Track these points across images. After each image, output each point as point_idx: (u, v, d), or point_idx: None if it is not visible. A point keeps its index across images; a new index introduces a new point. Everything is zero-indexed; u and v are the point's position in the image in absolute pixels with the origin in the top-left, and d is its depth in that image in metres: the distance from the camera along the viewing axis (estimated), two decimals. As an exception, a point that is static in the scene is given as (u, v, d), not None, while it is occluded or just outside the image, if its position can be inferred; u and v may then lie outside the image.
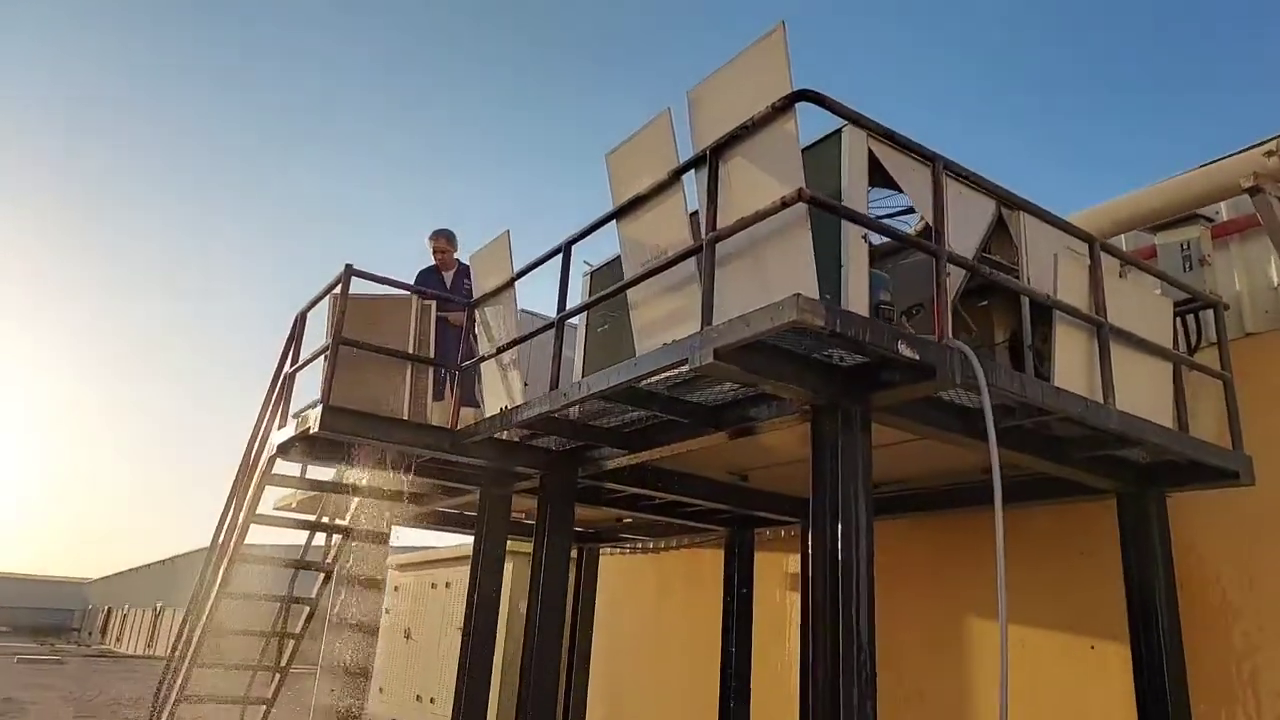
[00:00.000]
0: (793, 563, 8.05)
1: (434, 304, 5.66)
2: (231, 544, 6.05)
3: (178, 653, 6.66)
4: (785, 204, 3.20)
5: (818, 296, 3.16)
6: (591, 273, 6.30)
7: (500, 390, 5.51)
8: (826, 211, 3.33)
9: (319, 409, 4.92)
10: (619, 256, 5.85)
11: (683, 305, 3.96)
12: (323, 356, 5.42)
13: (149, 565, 50.96)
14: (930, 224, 3.75)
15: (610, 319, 5.94)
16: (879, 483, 6.58)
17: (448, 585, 14.88)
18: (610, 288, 4.27)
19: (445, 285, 6.69)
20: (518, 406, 4.82)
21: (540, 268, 5.30)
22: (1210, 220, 5.22)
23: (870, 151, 3.89)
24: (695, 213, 3.93)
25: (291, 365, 5.86)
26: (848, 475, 3.57)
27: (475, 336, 5.67)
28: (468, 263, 6.78)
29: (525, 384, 5.23)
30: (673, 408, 4.40)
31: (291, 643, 6.93)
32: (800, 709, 6.81)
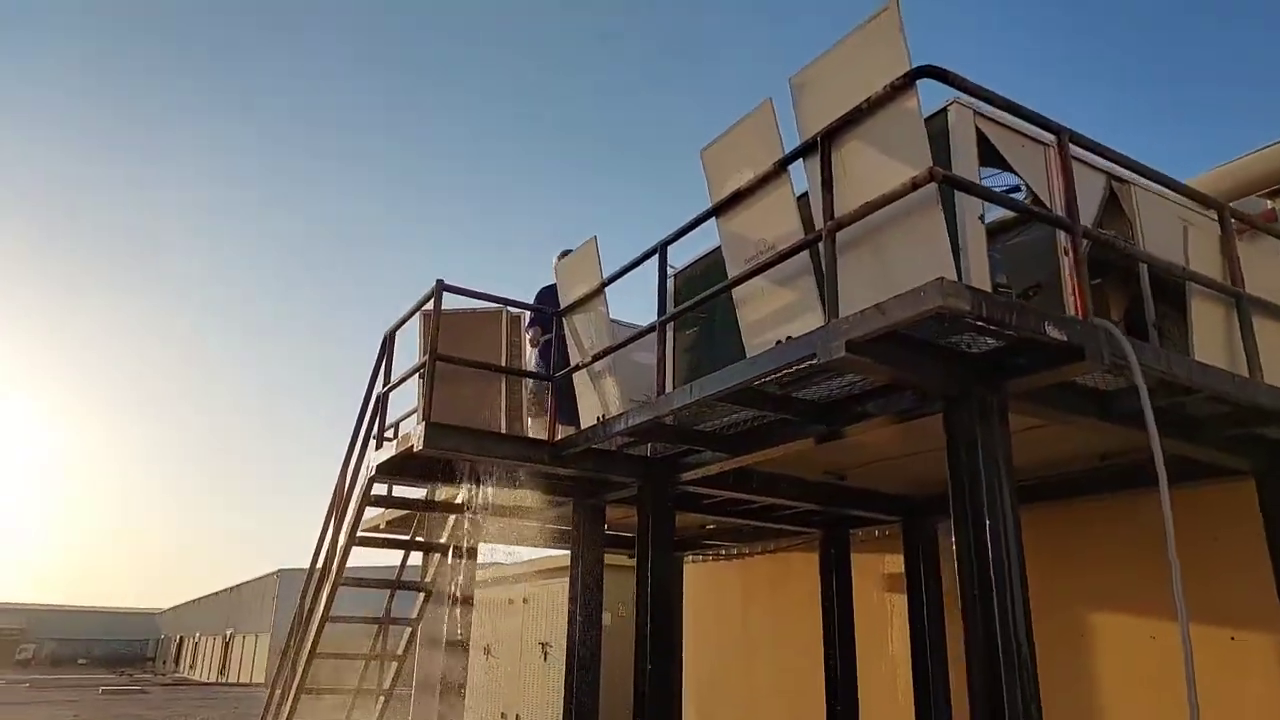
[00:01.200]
0: (889, 563, 7.84)
1: (523, 316, 5.60)
2: (334, 567, 6.06)
3: (283, 679, 6.69)
4: (916, 185, 3.06)
5: (956, 279, 3.01)
6: (676, 274, 6.21)
7: (594, 399, 5.44)
8: (960, 191, 3.18)
9: (421, 426, 4.88)
10: (704, 256, 5.80)
11: (795, 299, 3.84)
12: (418, 374, 5.41)
13: (216, 594, 52.21)
14: (1043, 201, 3.58)
15: (699, 320, 5.84)
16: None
17: (525, 601, 14.90)
18: (714, 287, 4.15)
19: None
20: (621, 414, 4.73)
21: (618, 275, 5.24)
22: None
23: (977, 129, 3.74)
24: (800, 197, 3.82)
25: (384, 385, 5.85)
26: (990, 467, 3.41)
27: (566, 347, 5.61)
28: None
29: (621, 392, 5.15)
30: (786, 406, 4.26)
31: (394, 664, 6.91)
32: (916, 712, 6.62)
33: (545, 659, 13.84)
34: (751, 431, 4.94)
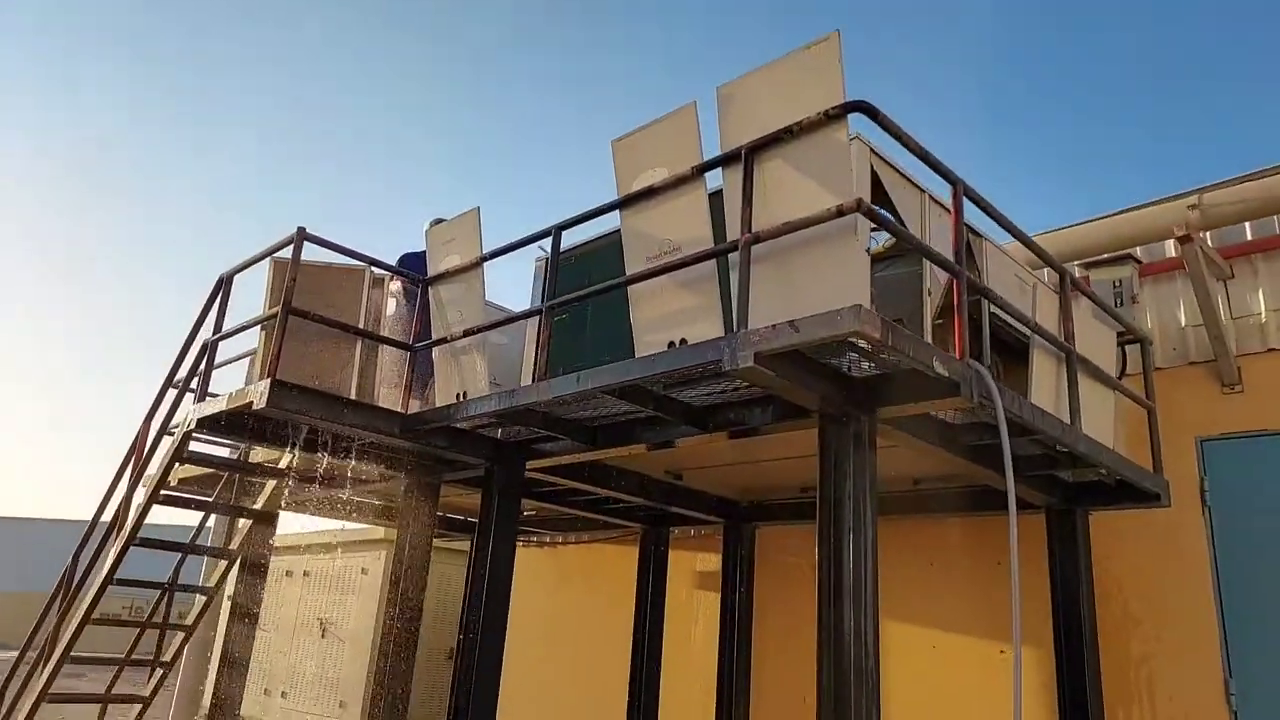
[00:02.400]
0: (700, 562, 8.14)
1: (387, 278, 5.29)
2: (128, 524, 5.44)
3: (44, 644, 5.92)
4: (842, 212, 3.21)
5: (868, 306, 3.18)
6: (545, 260, 6.11)
7: (454, 376, 5.25)
8: (874, 226, 3.36)
9: (265, 383, 4.49)
10: (577, 245, 5.74)
11: (695, 303, 3.90)
12: (259, 326, 4.98)
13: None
14: (914, 245, 3.87)
15: (569, 310, 5.78)
16: (807, 488, 6.79)
17: (305, 574, 14.06)
18: (614, 280, 4.13)
19: None
20: (490, 395, 4.59)
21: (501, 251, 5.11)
22: (1139, 261, 5.69)
23: (870, 166, 3.98)
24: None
25: (215, 332, 5.33)
26: (859, 485, 3.62)
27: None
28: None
29: (487, 371, 5.00)
30: (664, 406, 4.32)
31: (178, 635, 6.30)
32: (717, 705, 6.91)
33: (323, 635, 13.15)
34: (617, 426, 4.96)
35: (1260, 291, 5.57)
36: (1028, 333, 4.80)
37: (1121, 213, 5.83)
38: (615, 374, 3.89)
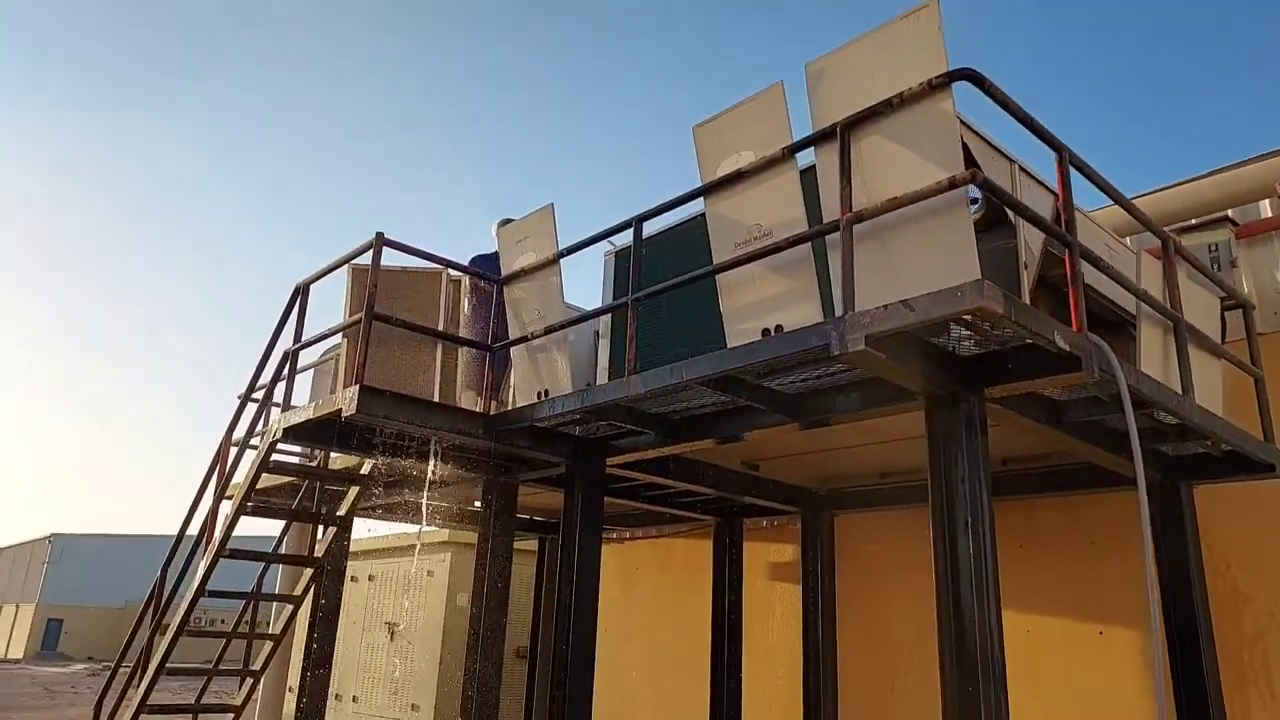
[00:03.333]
0: (776, 552, 8.04)
1: (463, 280, 5.26)
2: (217, 536, 5.49)
3: (139, 657, 6.00)
4: (954, 185, 3.09)
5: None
6: (616, 253, 6.06)
7: (532, 374, 5.21)
8: (993, 198, 3.23)
9: (353, 390, 4.48)
10: (649, 237, 5.66)
11: (789, 288, 3.81)
12: (341, 333, 4.98)
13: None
14: (1028, 216, 3.72)
15: (644, 304, 5.70)
16: (897, 472, 6.66)
17: (371, 578, 14.20)
18: (702, 269, 4.04)
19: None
20: (583, 391, 4.54)
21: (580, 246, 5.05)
22: (1235, 224, 5.47)
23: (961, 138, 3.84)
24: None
25: (295, 342, 5.35)
26: (972, 469, 3.50)
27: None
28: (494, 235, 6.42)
29: (570, 368, 4.95)
30: (760, 395, 4.23)
31: (266, 644, 6.36)
32: (805, 700, 6.81)
33: (391, 639, 13.26)
34: (702, 418, 4.88)
35: (1365, 249, 5.32)
36: (1120, 304, 4.65)
37: (1209, 175, 5.61)
38: (714, 364, 3.81)
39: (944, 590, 3.46)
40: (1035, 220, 3.38)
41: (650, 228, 5.44)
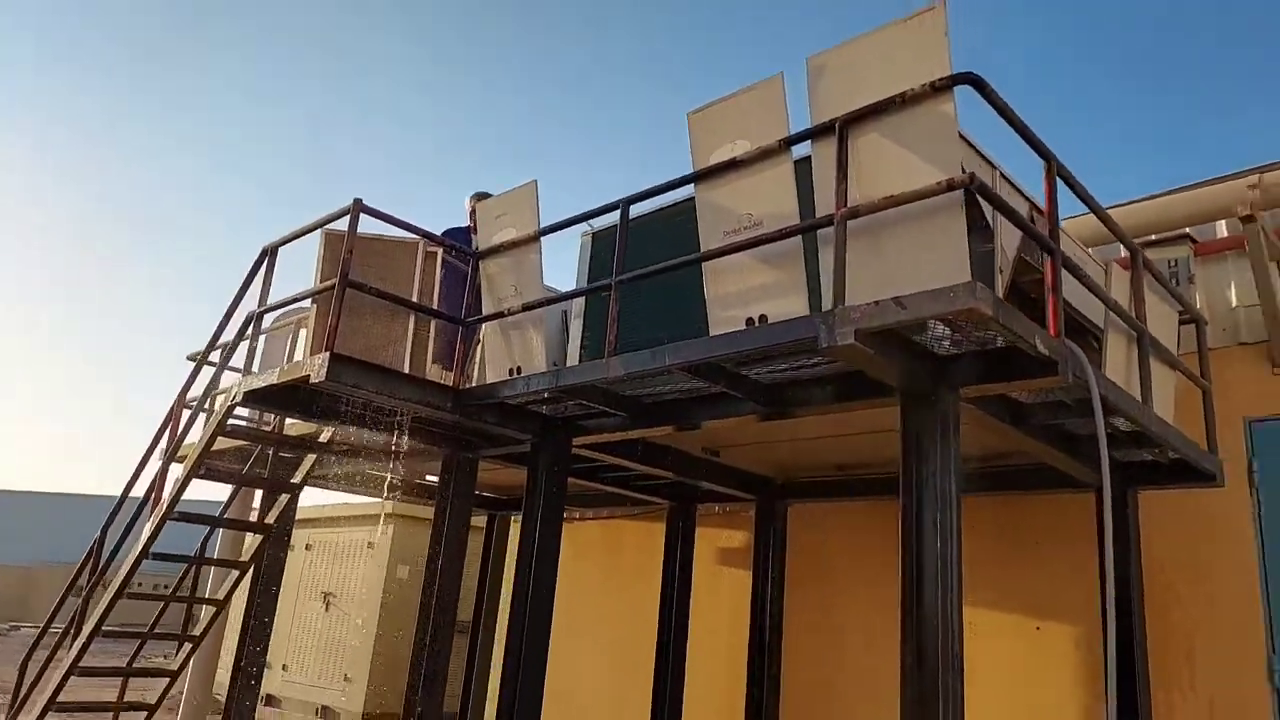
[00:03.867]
0: (726, 538, 8.13)
1: (439, 253, 5.18)
2: (165, 498, 5.33)
3: (73, 618, 5.81)
4: (951, 187, 3.14)
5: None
6: (594, 234, 6.02)
7: (504, 350, 5.16)
8: (986, 202, 3.29)
9: (323, 356, 4.38)
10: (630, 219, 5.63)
11: (777, 279, 3.83)
12: (310, 299, 4.87)
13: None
14: (1018, 223, 3.81)
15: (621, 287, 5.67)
16: (853, 465, 6.78)
17: (308, 547, 13.95)
18: (692, 255, 4.04)
19: (474, 247, 6.22)
20: (560, 370, 4.52)
21: (563, 225, 5.02)
22: (1194, 241, 5.68)
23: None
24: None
25: (261, 304, 5.20)
26: (943, 466, 3.58)
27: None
28: (473, 209, 6.32)
29: (545, 347, 4.92)
30: (738, 383, 4.26)
31: (207, 609, 6.20)
32: (748, 684, 6.92)
33: (326, 609, 13.07)
34: (673, 403, 4.90)
35: (1314, 274, 5.58)
36: (1083, 312, 4.81)
37: (1174, 192, 5.81)
38: (700, 350, 3.82)
39: (909, 583, 3.55)
40: (1025, 228, 3.46)
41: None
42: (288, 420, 6.30)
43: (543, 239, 4.92)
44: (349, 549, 13.18)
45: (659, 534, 7.85)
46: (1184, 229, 5.64)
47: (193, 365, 5.81)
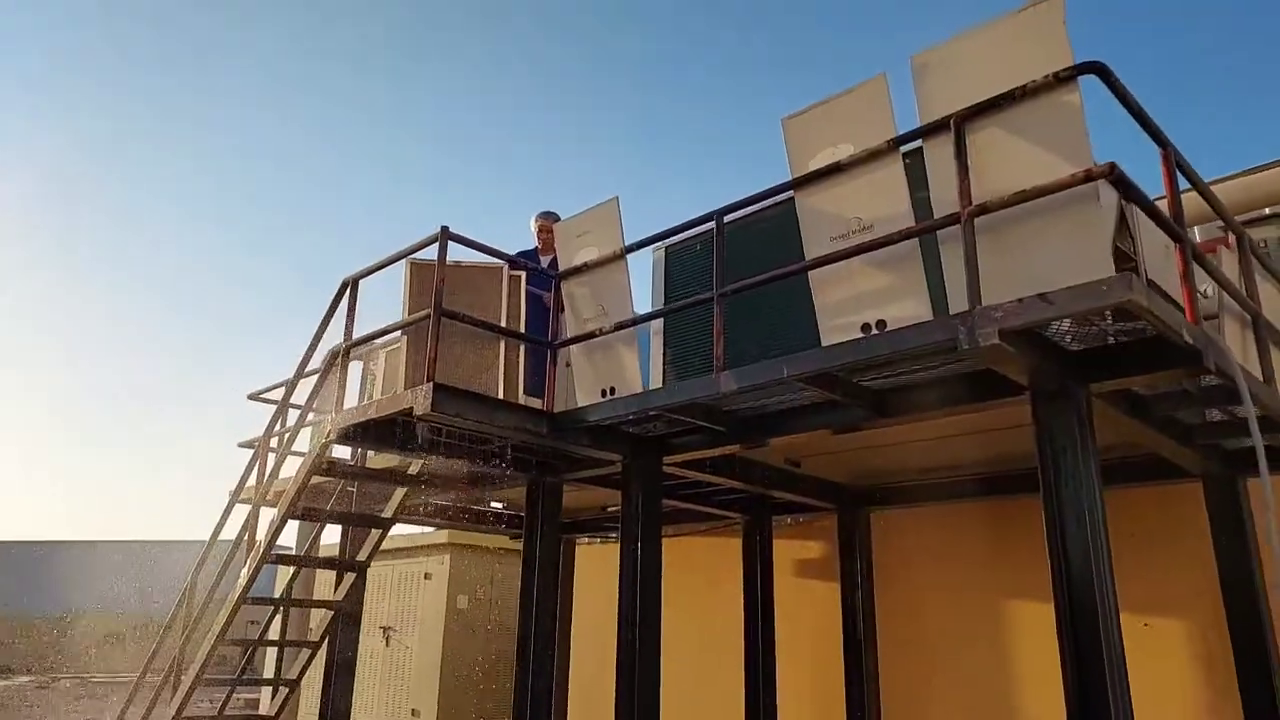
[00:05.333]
0: (803, 549, 8.02)
1: (523, 276, 5.16)
2: (263, 541, 5.30)
3: (170, 667, 5.78)
4: (1090, 177, 3.08)
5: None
6: (666, 250, 5.98)
7: (594, 372, 5.12)
8: (1123, 193, 3.22)
9: (426, 388, 4.35)
10: (699, 233, 5.59)
11: (892, 282, 3.78)
12: (401, 330, 4.85)
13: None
14: (1149, 212, 3.74)
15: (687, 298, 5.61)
16: (927, 470, 6.68)
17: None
18: (800, 264, 3.99)
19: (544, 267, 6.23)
20: (671, 388, 4.48)
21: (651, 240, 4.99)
22: (1290, 220, 5.58)
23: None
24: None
25: (347, 339, 5.18)
26: (1085, 462, 3.50)
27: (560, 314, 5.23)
28: (540, 228, 6.31)
29: (637, 366, 4.88)
30: (850, 391, 4.19)
31: (304, 652, 6.16)
32: (847, 697, 6.80)
33: (387, 644, 13.02)
34: (772, 415, 4.83)
35: None
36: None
37: (1256, 170, 5.71)
38: (820, 360, 3.76)
39: (1059, 584, 3.45)
40: (1158, 218, 3.39)
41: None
42: (367, 455, 6.29)
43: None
44: (405, 581, 13.13)
45: (728, 549, 7.76)
46: (1265, 209, 5.54)
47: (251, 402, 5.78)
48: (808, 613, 7.71)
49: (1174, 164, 3.60)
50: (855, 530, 7.03)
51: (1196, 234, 5.93)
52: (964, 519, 6.84)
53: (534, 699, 5.53)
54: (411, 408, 4.41)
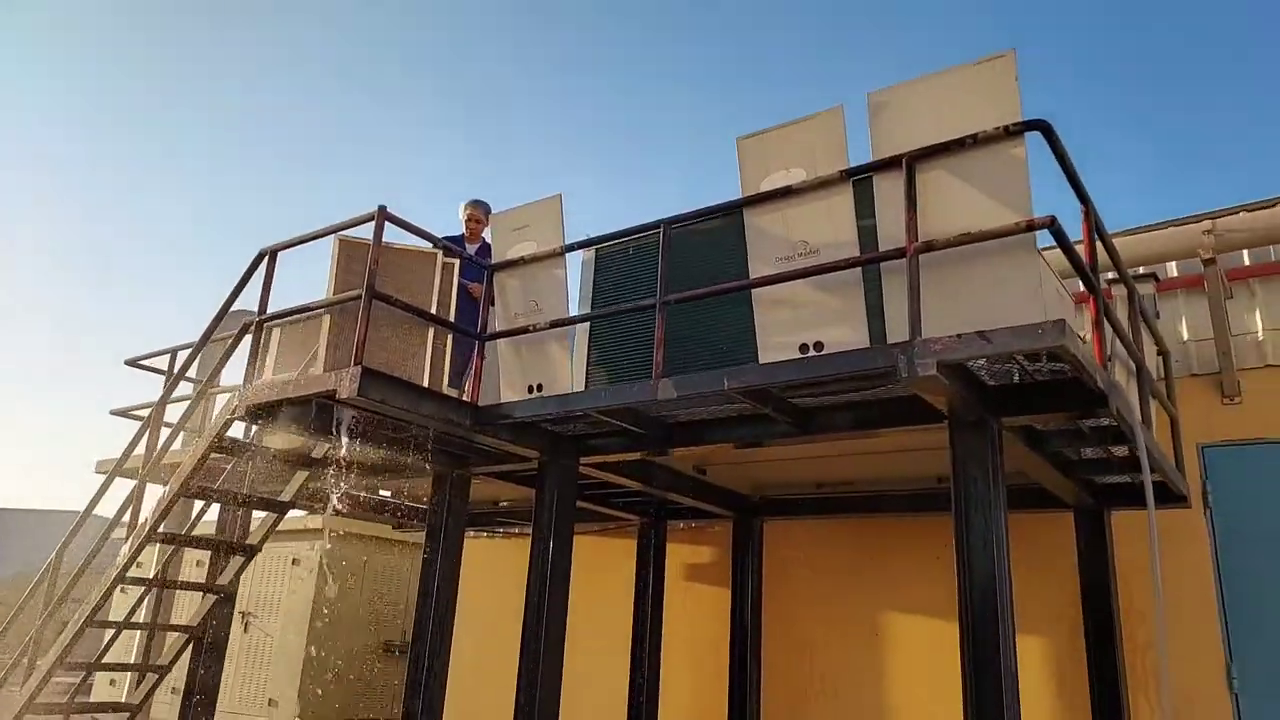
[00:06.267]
0: (693, 554, 8.18)
1: (456, 264, 5.06)
2: (151, 520, 4.98)
3: (26, 645, 5.34)
4: (1032, 227, 3.32)
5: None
6: (596, 251, 5.99)
7: (520, 367, 5.09)
8: (1058, 244, 3.48)
9: (355, 370, 4.21)
10: (626, 235, 5.62)
11: (833, 306, 3.94)
12: (325, 310, 4.67)
13: None
14: (1075, 265, 4.05)
15: (609, 303, 5.64)
16: (823, 484, 6.96)
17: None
18: (745, 281, 4.10)
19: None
20: (601, 390, 4.49)
21: (595, 242, 5.00)
22: (1158, 279, 6.13)
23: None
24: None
25: (261, 311, 4.95)
26: (993, 488, 3.75)
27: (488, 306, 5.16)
28: (469, 217, 6.19)
29: (568, 365, 4.88)
30: (781, 407, 4.33)
31: (174, 637, 5.81)
32: (730, 701, 6.99)
33: (245, 630, 12.41)
34: (696, 424, 4.94)
35: (1258, 312, 6.12)
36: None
37: (1131, 232, 6.26)
38: (761, 375, 3.88)
39: (965, 603, 3.68)
40: (1079, 268, 3.67)
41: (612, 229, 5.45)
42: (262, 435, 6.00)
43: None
44: (270, 565, 12.55)
45: (618, 550, 7.85)
46: (1149, 267, 6.09)
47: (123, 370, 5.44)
48: (696, 614, 7.87)
49: (1094, 221, 3.91)
50: (750, 538, 7.24)
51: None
52: (848, 533, 7.17)
53: (427, 687, 5.43)
54: (335, 390, 4.26)
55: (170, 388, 5.53)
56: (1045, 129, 3.47)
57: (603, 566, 8.47)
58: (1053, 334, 3.15)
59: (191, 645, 6.33)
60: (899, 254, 3.61)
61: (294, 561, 12.35)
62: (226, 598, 6.20)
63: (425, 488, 6.59)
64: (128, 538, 4.94)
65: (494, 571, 9.46)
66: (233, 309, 5.41)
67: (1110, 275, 6.20)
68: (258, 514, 6.11)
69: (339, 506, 7.36)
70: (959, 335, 3.35)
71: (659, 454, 5.48)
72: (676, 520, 8.00)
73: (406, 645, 11.73)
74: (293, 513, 11.64)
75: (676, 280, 4.57)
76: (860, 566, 7.15)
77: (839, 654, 7.04)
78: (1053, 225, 3.30)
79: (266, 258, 5.07)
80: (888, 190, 3.78)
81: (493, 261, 5.17)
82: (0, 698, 5.42)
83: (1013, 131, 3.45)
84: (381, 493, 8.41)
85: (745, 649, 6.98)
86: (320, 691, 11.24)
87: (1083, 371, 3.40)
